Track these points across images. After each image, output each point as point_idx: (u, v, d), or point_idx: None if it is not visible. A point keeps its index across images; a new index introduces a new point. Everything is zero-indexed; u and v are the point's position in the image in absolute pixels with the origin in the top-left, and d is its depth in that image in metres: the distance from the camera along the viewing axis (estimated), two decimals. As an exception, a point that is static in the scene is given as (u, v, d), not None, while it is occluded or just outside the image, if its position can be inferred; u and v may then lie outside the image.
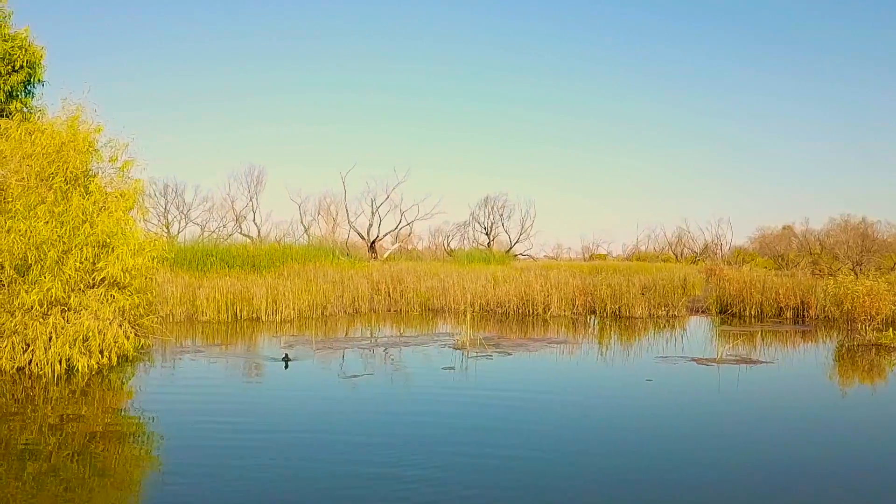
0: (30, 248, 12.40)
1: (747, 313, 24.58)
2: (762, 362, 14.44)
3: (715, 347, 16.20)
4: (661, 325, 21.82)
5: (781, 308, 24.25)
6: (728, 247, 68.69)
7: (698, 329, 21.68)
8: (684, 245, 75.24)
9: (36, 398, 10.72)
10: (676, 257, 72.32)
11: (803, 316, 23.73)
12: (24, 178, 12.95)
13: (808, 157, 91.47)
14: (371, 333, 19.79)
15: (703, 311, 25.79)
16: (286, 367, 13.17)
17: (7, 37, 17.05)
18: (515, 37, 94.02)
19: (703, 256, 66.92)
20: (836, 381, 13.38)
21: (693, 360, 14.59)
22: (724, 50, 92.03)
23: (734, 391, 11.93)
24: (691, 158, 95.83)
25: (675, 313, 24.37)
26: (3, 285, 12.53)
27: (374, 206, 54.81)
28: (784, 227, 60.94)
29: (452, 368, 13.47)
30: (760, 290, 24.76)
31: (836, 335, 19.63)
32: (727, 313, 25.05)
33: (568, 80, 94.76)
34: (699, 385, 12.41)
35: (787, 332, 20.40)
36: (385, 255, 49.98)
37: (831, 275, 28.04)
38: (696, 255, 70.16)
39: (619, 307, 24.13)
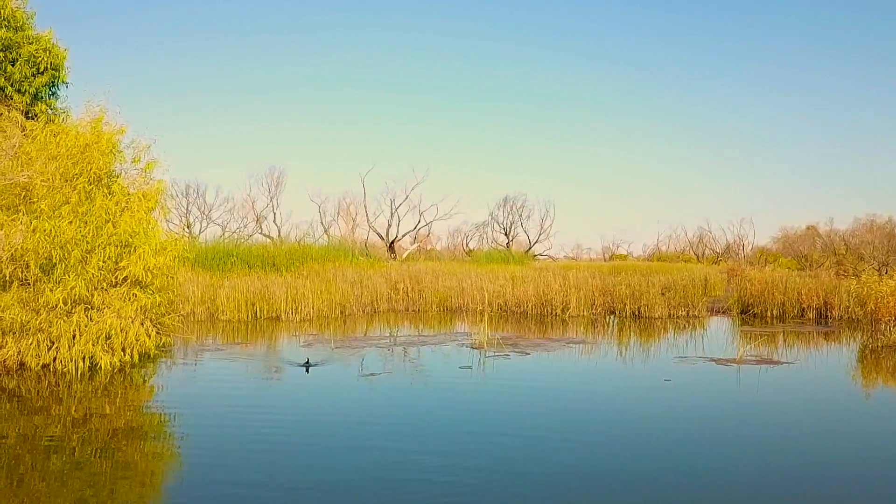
0: (54, 248, 12.63)
1: (769, 314, 24.32)
2: (783, 363, 14.29)
3: (735, 348, 16.06)
4: (681, 326, 21.67)
5: (804, 309, 23.98)
6: (750, 247, 67.96)
7: (719, 329, 21.48)
8: (706, 245, 74.54)
9: (60, 394, 10.92)
10: (698, 258, 71.63)
11: (826, 316, 23.45)
12: (49, 179, 13.18)
13: (833, 156, 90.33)
14: (389, 333, 19.86)
15: (723, 312, 25.55)
16: (307, 371, 12.93)
17: (31, 38, 17.35)
18: (535, 35, 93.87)
19: (725, 257, 66.21)
20: (858, 383, 13.19)
21: (712, 360, 14.48)
22: (746, 47, 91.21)
23: (754, 392, 11.82)
24: (713, 157, 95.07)
25: (696, 314, 24.19)
26: (29, 284, 12.76)
27: (393, 207, 55.03)
28: (808, 227, 60.19)
29: (470, 368, 13.50)
30: (782, 291, 24.50)
31: (859, 336, 19.36)
32: (748, 314, 24.82)
33: (587, 79, 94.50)
34: (718, 385, 12.31)
35: (809, 332, 20.15)
36: (404, 256, 50.10)
37: (856, 275, 27.64)
38: (717, 256, 69.45)
39: (639, 307, 23.99)
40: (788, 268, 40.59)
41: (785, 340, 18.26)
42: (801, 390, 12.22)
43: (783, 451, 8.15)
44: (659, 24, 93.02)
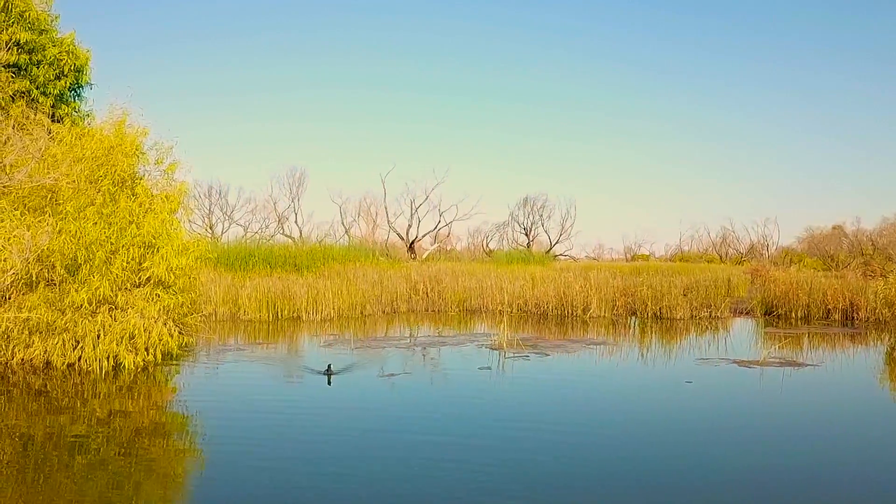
0: (79, 249, 12.82)
1: (793, 315, 23.99)
2: (808, 365, 14.08)
3: (758, 350, 15.85)
4: (704, 327, 21.44)
5: (829, 310, 23.61)
6: (775, 247, 67.16)
7: (742, 331, 21.24)
8: (729, 245, 73.73)
9: (85, 393, 11.08)
10: (721, 258, 70.85)
11: (852, 318, 23.07)
12: (74, 181, 13.38)
13: (859, 155, 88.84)
14: (409, 333, 19.90)
15: (747, 313, 25.25)
16: (329, 383, 12.15)
17: (56, 41, 17.61)
18: (556, 35, 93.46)
19: (749, 257, 65.44)
20: (885, 386, 12.97)
21: (735, 362, 14.31)
22: (769, 47, 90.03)
23: (777, 394, 11.66)
24: (737, 157, 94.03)
25: (718, 315, 23.93)
26: (55, 284, 12.96)
27: (413, 207, 55.24)
28: (834, 227, 59.40)
29: (489, 368, 13.48)
30: (807, 292, 24.15)
31: (886, 338, 19.03)
32: (772, 315, 24.50)
33: (609, 78, 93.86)
34: (740, 387, 12.15)
35: (834, 334, 19.84)
36: (424, 256, 50.18)
37: (883, 276, 27.18)
38: (741, 256, 68.66)
39: (661, 308, 23.77)
40: (814, 268, 40.01)
41: (810, 342, 18.00)
42: (825, 393, 12.03)
43: (806, 455, 8.03)
44: (684, 25, 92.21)
